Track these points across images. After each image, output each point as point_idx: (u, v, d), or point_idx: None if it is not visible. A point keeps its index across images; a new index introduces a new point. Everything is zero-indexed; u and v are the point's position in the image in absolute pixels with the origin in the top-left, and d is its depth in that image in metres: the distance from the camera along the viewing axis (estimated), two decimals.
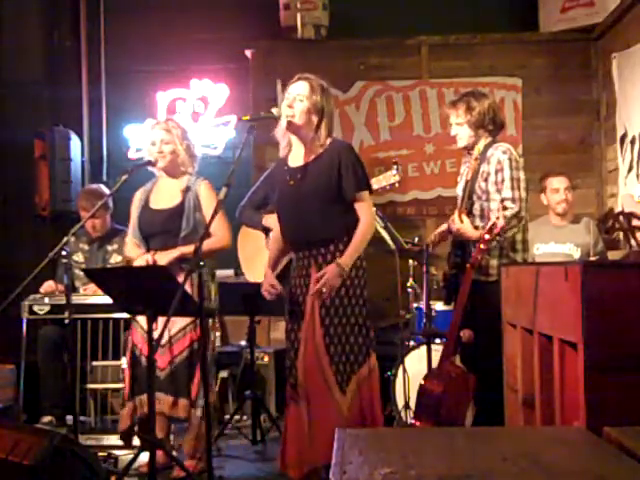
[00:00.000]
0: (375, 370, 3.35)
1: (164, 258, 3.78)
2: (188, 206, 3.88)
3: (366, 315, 3.34)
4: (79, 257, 4.95)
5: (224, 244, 3.92)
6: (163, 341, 3.72)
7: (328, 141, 3.38)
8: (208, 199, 3.90)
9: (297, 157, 3.44)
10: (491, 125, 3.83)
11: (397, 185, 4.65)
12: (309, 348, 3.28)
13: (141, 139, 4.04)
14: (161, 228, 3.88)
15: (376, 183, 4.59)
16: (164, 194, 3.97)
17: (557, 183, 4.94)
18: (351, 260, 3.28)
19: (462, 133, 3.87)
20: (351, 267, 3.29)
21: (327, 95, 3.39)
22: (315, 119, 3.35)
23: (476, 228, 3.68)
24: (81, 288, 4.83)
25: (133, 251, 3.98)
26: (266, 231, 4.53)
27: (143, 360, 3.81)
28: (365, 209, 3.35)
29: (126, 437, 3.90)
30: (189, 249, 3.76)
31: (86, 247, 4.97)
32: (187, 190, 3.92)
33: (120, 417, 3.91)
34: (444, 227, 3.99)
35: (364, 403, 3.29)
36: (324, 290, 3.25)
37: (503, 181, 3.69)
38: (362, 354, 3.30)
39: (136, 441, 3.90)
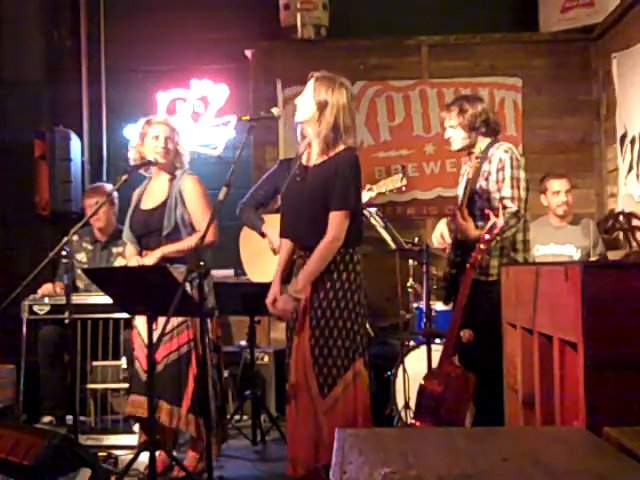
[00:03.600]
0: (361, 375, 3.24)
1: (149, 260, 3.80)
2: (170, 204, 3.87)
3: (356, 319, 3.25)
4: (82, 257, 4.96)
5: (209, 239, 3.89)
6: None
7: (341, 147, 3.29)
8: (192, 193, 3.89)
9: (306, 156, 3.41)
10: (483, 127, 3.83)
11: (404, 189, 4.65)
12: (299, 349, 3.27)
13: (138, 134, 4.01)
14: (149, 228, 3.89)
15: (384, 186, 4.60)
16: (153, 194, 3.98)
17: (558, 186, 4.93)
18: (303, 284, 3.22)
19: (455, 136, 3.88)
20: (342, 270, 3.23)
21: (333, 88, 3.28)
22: (316, 114, 3.28)
23: (477, 228, 3.67)
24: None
25: (128, 250, 4.03)
26: (264, 236, 4.53)
27: (135, 360, 3.86)
28: (331, 228, 3.22)
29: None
30: (170, 248, 3.80)
31: (90, 247, 4.97)
32: (172, 187, 3.92)
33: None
34: (442, 230, 3.92)
35: (347, 409, 3.22)
36: (277, 315, 3.33)
37: (504, 180, 3.69)
38: (348, 359, 3.22)
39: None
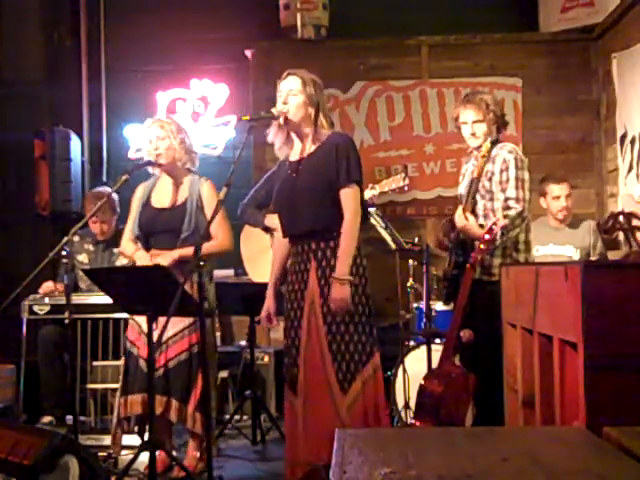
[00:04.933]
0: (379, 369, 3.29)
1: (163, 260, 3.78)
2: (191, 207, 3.87)
3: (369, 313, 3.29)
4: (84, 258, 4.95)
5: (224, 248, 3.91)
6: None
7: (328, 133, 3.34)
8: (211, 200, 3.89)
9: (297, 152, 3.42)
10: (501, 122, 3.83)
11: (406, 188, 4.66)
12: (311, 345, 3.26)
13: (141, 139, 4.02)
14: (163, 227, 3.88)
15: (386, 185, 4.61)
16: (166, 192, 3.96)
17: (558, 191, 4.91)
18: (346, 266, 3.20)
19: (480, 130, 3.78)
20: (351, 265, 3.25)
21: (319, 88, 3.38)
22: (312, 111, 3.32)
23: (481, 227, 3.66)
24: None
25: (128, 246, 3.98)
26: (268, 230, 4.53)
27: (136, 358, 3.83)
28: (348, 204, 3.26)
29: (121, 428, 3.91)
30: (188, 251, 3.75)
31: (91, 248, 4.96)
32: (189, 189, 3.92)
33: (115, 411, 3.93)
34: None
35: (368, 403, 3.23)
36: (339, 309, 3.21)
37: (508, 180, 3.67)
38: (365, 353, 3.24)
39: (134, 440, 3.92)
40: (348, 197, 3.26)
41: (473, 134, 3.81)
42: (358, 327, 3.25)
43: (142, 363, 3.79)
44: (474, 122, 3.79)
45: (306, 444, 3.26)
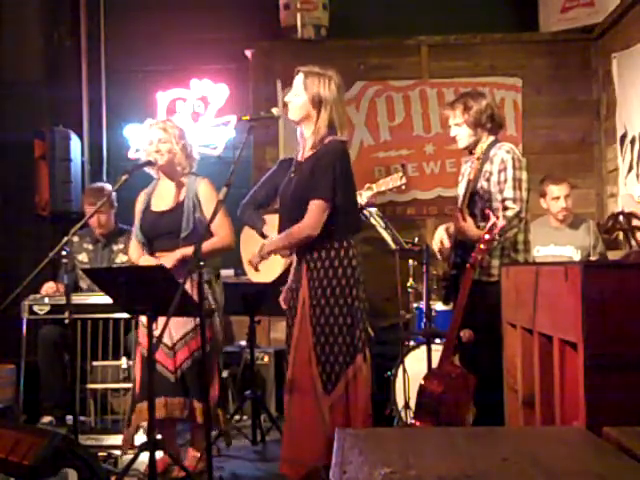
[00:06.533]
0: (361, 371, 3.27)
1: (167, 262, 3.77)
2: (188, 206, 3.86)
3: (356, 314, 3.27)
4: (84, 257, 4.95)
5: (227, 243, 3.90)
6: (170, 343, 3.73)
7: (328, 139, 3.29)
8: (208, 197, 3.88)
9: (300, 152, 3.42)
10: (489, 123, 3.82)
11: (403, 187, 4.66)
12: (301, 345, 3.27)
13: (141, 139, 4.01)
14: (163, 230, 3.87)
15: (383, 185, 4.61)
16: (164, 195, 3.96)
17: (557, 191, 4.91)
18: (272, 247, 3.36)
19: (461, 133, 3.86)
20: (338, 265, 3.25)
21: (326, 83, 3.27)
22: (314, 112, 3.28)
23: (478, 228, 3.67)
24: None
25: (135, 253, 3.99)
26: (265, 237, 4.53)
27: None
28: (308, 215, 3.23)
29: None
30: (189, 250, 3.74)
31: (91, 247, 4.96)
32: (186, 189, 3.91)
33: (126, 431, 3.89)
34: (442, 236, 3.91)
35: (350, 404, 3.24)
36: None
37: (506, 181, 3.68)
38: (349, 355, 3.24)
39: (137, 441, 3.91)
40: (311, 209, 3.23)
41: (455, 136, 3.90)
42: (342, 328, 3.24)
43: (159, 366, 3.74)
44: (455, 125, 3.87)
45: (294, 443, 3.29)
